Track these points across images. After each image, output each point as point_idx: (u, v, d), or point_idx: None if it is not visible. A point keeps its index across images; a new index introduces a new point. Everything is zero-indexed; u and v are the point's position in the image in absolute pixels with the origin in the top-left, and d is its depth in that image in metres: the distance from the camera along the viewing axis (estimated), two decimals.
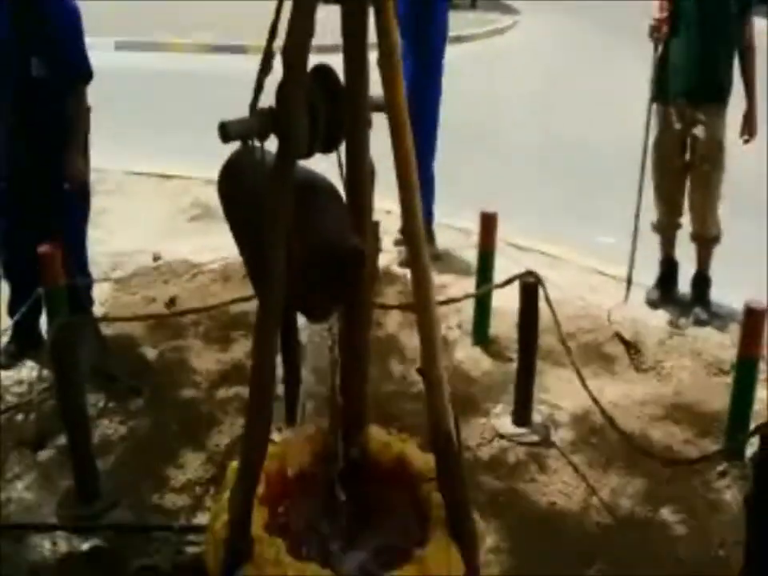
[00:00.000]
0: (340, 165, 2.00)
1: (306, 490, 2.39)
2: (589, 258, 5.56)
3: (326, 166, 2.04)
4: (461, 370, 4.23)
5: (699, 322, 4.55)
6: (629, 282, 4.79)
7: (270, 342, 1.88)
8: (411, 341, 4.22)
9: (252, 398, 1.92)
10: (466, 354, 4.38)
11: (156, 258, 5.27)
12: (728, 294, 4.63)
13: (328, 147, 1.90)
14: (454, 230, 5.88)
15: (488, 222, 4.39)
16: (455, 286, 5.01)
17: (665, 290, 4.83)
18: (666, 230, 4.78)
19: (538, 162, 7.44)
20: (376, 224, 2.29)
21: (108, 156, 5.58)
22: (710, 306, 4.68)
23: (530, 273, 3.73)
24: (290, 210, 1.82)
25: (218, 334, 4.32)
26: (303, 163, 1.94)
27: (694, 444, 3.53)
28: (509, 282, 3.82)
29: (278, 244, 1.79)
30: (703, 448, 3.42)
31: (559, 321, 3.67)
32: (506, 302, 4.30)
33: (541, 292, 3.65)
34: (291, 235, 1.89)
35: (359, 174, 1.99)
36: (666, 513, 3.17)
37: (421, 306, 2.07)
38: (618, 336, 4.38)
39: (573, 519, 3.13)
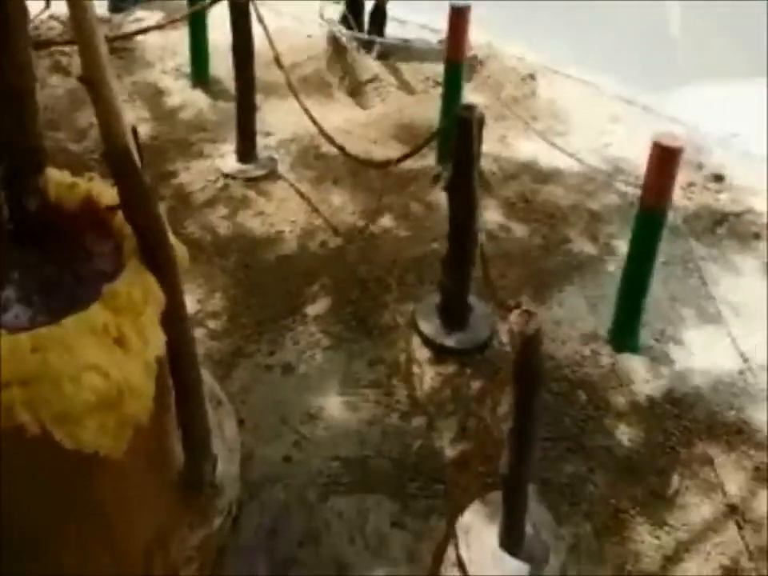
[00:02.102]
0: None
1: None
2: None
3: None
4: (181, 114, 3.90)
5: (381, 55, 4.33)
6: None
7: None
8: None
9: None
10: (186, 98, 4.03)
11: None
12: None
13: None
14: None
15: None
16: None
17: (349, 23, 4.55)
18: None
19: None
20: None
21: None
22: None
23: None
24: None
25: None
26: None
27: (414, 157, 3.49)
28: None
29: None
30: (420, 159, 3.36)
31: (274, 43, 3.36)
32: (227, 40, 3.89)
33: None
34: None
35: None
36: (387, 220, 3.20)
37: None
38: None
39: (299, 243, 3.08)
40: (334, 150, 3.29)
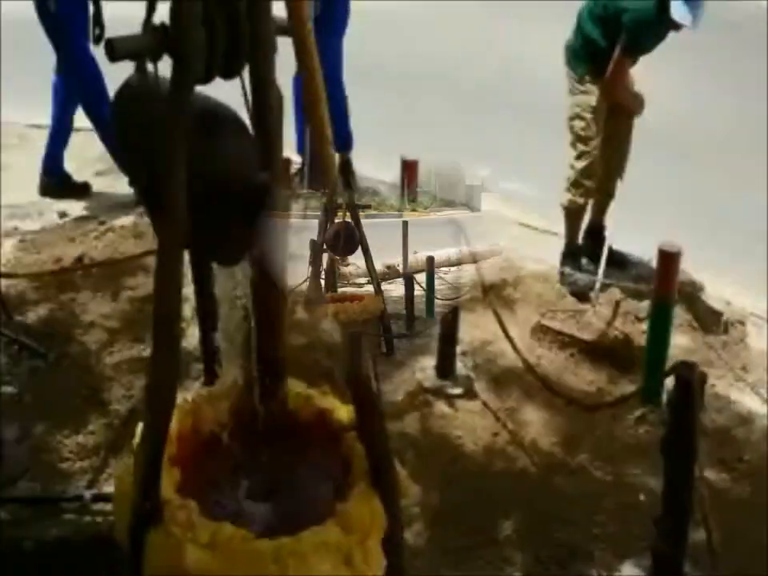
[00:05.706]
0: (244, 91, 1.82)
1: (221, 448, 2.24)
2: (504, 206, 5.47)
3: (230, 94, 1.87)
4: None
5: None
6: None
7: (173, 282, 1.72)
8: None
9: (156, 345, 1.75)
10: None
11: (62, 215, 4.98)
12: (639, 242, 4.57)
13: (229, 70, 1.73)
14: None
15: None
16: None
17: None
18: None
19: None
20: (287, 161, 2.12)
21: (8, 107, 5.25)
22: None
23: None
24: (187, 139, 1.65)
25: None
26: (203, 90, 1.77)
27: (612, 390, 3.52)
28: None
29: (176, 173, 1.62)
30: (621, 393, 3.39)
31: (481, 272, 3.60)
32: None
33: None
34: (190, 169, 1.72)
35: (265, 101, 1.82)
36: (585, 458, 3.18)
37: None
38: None
39: (496, 469, 3.11)
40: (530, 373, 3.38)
